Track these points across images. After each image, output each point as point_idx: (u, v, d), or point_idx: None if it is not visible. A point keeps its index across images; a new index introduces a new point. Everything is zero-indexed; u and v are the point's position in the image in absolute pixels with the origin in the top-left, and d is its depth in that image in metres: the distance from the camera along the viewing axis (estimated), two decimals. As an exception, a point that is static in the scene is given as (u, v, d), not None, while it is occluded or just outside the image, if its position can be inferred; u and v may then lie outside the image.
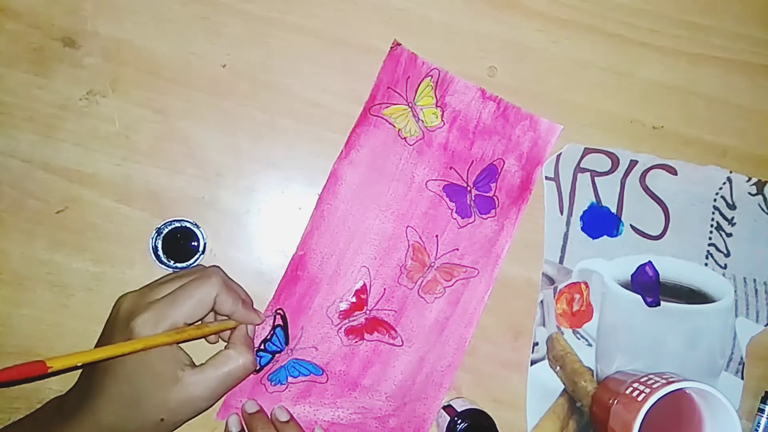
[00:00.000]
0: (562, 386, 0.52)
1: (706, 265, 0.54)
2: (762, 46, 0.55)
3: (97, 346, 0.43)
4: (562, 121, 0.53)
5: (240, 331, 0.45)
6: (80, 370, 0.43)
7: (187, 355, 0.42)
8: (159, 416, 0.40)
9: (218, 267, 0.46)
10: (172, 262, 0.49)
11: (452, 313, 0.51)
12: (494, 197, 0.52)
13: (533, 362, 0.52)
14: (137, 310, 0.40)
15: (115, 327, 0.41)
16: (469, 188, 0.52)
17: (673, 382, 0.44)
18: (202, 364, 0.42)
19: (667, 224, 0.54)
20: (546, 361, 0.52)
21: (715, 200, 0.54)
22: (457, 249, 0.52)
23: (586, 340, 0.53)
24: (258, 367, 0.49)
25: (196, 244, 0.49)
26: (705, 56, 0.55)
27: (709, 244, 0.54)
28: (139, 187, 0.49)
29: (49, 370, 0.32)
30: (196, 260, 0.49)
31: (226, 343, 0.44)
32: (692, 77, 0.55)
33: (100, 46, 0.49)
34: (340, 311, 0.50)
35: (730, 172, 0.55)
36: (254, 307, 0.47)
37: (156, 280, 0.45)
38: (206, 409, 0.42)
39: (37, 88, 0.49)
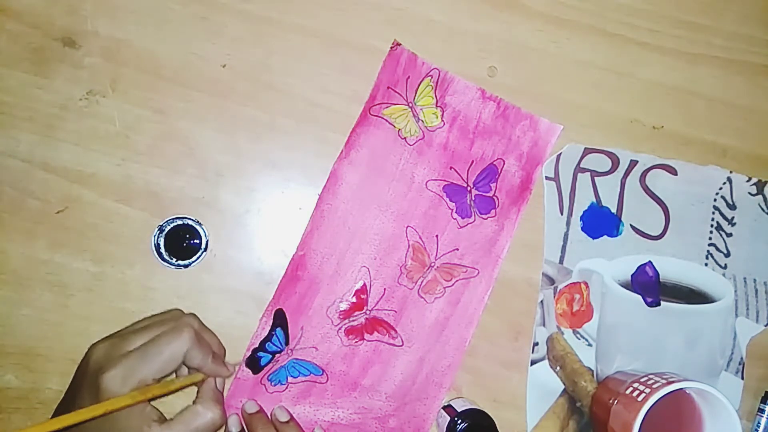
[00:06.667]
0: (562, 386, 0.52)
1: (706, 265, 0.54)
2: (762, 46, 0.55)
3: (66, 394, 0.43)
4: (562, 121, 0.53)
5: (208, 385, 0.44)
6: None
7: (156, 409, 0.41)
8: None
9: (194, 316, 0.45)
10: (175, 259, 0.49)
11: (452, 313, 0.51)
12: (494, 197, 0.52)
13: (533, 362, 0.52)
14: (107, 364, 0.39)
15: (84, 379, 0.40)
16: (469, 188, 0.52)
17: (673, 382, 0.44)
18: (169, 420, 0.40)
19: (667, 224, 0.54)
20: (546, 361, 0.52)
21: (715, 200, 0.54)
22: (457, 249, 0.52)
23: (586, 340, 0.53)
24: (258, 367, 0.49)
25: (198, 241, 0.49)
26: (705, 56, 0.55)
27: (709, 244, 0.54)
28: (139, 186, 0.49)
29: None
30: (198, 258, 0.49)
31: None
32: (692, 77, 0.55)
33: (100, 46, 0.49)
34: (340, 311, 0.50)
35: (730, 172, 0.55)
36: (226, 359, 0.46)
37: (128, 327, 0.44)
38: None
39: (37, 88, 0.49)
